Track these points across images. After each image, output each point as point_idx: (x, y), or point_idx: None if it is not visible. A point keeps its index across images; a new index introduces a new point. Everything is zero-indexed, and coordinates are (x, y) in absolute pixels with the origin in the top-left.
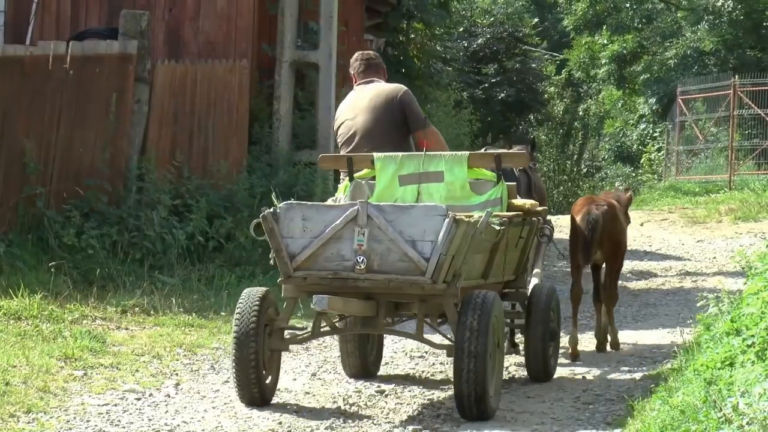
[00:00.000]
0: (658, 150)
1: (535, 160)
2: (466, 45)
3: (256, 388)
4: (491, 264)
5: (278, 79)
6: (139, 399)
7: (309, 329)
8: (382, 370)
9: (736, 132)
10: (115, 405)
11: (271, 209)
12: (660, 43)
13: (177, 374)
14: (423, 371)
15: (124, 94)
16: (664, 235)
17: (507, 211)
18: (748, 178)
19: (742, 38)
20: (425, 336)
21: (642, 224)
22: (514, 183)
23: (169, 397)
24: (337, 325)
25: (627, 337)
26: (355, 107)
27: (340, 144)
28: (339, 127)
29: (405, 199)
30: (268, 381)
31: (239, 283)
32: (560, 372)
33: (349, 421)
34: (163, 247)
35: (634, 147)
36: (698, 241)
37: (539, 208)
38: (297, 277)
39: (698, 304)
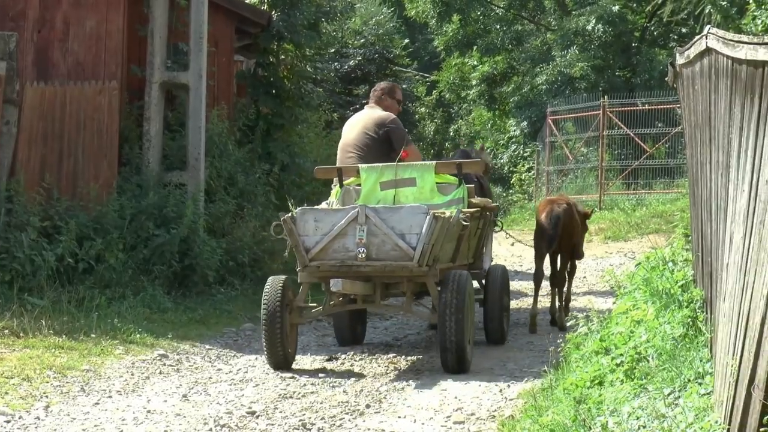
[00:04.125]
0: (529, 170)
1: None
2: (337, 66)
3: (282, 355)
4: (458, 250)
5: (148, 100)
6: (8, 422)
7: (320, 307)
8: (254, 392)
9: (605, 152)
10: None
11: (289, 214)
12: (530, 65)
13: (47, 396)
14: (294, 391)
15: None
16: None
17: (468, 208)
18: (618, 198)
19: (612, 60)
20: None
21: (513, 244)
22: (473, 185)
23: (39, 419)
24: (341, 302)
25: (497, 357)
26: (353, 126)
27: (338, 152)
28: (342, 139)
29: (386, 200)
30: (290, 349)
31: (109, 304)
32: (430, 393)
33: None
34: (33, 269)
35: (505, 168)
36: None
37: (492, 205)
38: (312, 266)
39: (568, 324)
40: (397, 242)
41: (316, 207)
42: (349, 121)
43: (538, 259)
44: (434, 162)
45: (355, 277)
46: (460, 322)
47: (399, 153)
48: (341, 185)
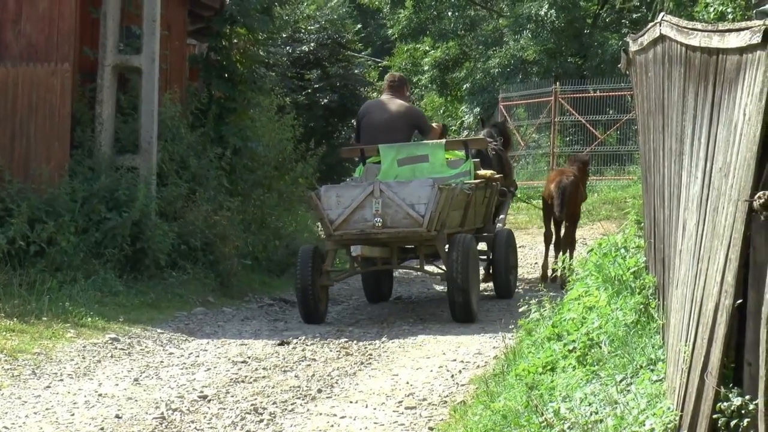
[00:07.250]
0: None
1: (503, 144)
2: (289, 50)
3: (315, 312)
4: (466, 217)
5: (101, 83)
6: None
7: (346, 270)
8: (206, 376)
9: (557, 138)
10: None
11: (315, 191)
12: (483, 50)
13: None
14: (246, 376)
15: None
16: None
17: (474, 179)
18: None
19: (564, 46)
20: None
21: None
22: (478, 159)
23: None
24: (362, 265)
25: (449, 342)
26: (382, 110)
27: (362, 129)
28: (365, 117)
29: (403, 175)
30: (321, 308)
31: (61, 287)
32: (382, 378)
33: (172, 427)
34: None
35: None
36: (520, 247)
37: (497, 176)
38: (336, 235)
39: (520, 310)
40: (408, 212)
41: (337, 185)
42: (375, 103)
43: (547, 221)
44: (444, 140)
45: (373, 243)
46: (465, 276)
47: (428, 135)
48: (364, 162)
